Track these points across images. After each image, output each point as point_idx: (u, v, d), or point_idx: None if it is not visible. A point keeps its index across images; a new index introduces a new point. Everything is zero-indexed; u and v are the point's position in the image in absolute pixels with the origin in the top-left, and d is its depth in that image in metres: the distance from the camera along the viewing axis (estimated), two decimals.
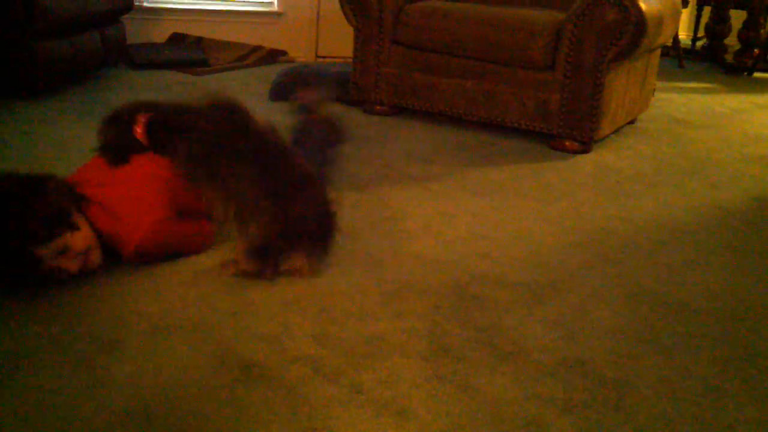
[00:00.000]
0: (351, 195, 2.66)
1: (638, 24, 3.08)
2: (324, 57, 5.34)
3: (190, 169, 2.02)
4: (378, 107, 3.81)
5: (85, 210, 1.99)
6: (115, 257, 2.02)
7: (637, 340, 1.82)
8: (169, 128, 2.03)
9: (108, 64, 4.30)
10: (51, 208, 1.88)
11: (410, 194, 2.71)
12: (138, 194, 2.01)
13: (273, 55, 5.07)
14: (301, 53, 5.27)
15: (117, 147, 2.07)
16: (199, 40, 5.04)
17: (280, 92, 4.01)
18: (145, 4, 4.94)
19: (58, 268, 1.88)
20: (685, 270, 2.23)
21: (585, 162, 3.23)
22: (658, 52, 3.83)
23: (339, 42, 5.24)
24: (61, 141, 3.05)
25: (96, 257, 1.97)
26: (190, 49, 4.87)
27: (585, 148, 3.35)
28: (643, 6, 3.08)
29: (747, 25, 5.83)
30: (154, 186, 2.04)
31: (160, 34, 5.06)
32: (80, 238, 1.92)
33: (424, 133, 3.54)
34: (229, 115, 2.11)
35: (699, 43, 6.63)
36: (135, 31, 4.85)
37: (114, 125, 2.08)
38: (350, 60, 3.86)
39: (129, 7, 4.37)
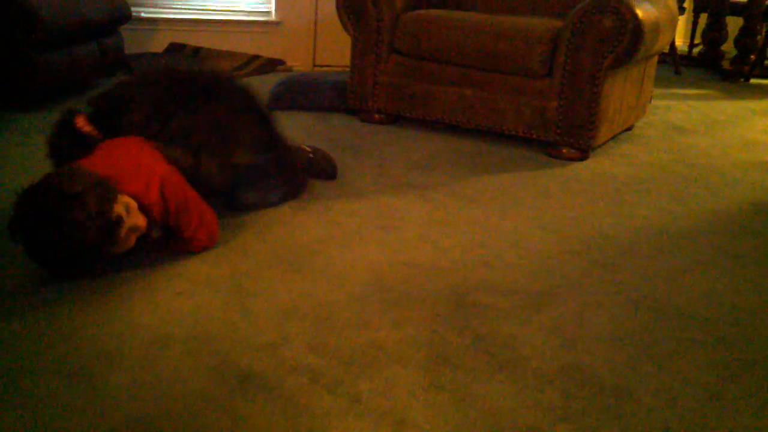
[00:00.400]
0: (349, 203, 2.66)
1: (635, 31, 3.09)
2: (322, 66, 5.35)
3: (141, 132, 2.17)
4: (376, 116, 3.82)
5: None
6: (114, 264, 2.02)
7: (636, 346, 1.82)
8: (112, 109, 2.11)
9: (107, 74, 4.31)
10: (95, 178, 1.92)
11: (408, 202, 2.71)
12: (141, 155, 2.12)
13: (271, 65, 5.08)
14: (298, 62, 5.28)
15: (62, 148, 2.14)
16: (197, 50, 5.05)
17: (277, 101, 4.02)
18: (143, 14, 4.95)
19: (134, 226, 1.96)
20: (684, 276, 2.23)
21: (583, 169, 3.24)
22: (655, 59, 3.84)
23: (337, 51, 5.25)
24: None
25: (144, 218, 2.03)
26: (188, 59, 4.88)
27: (583, 155, 3.35)
28: (639, 13, 3.09)
29: (743, 31, 5.85)
30: (147, 150, 2.15)
31: (158, 44, 5.07)
32: (125, 197, 1.98)
33: (421, 141, 3.54)
34: (170, 74, 2.23)
35: (696, 50, 6.64)
36: (133, 42, 4.86)
37: (56, 130, 2.16)
38: (348, 68, 3.87)
39: (127, 18, 4.38)
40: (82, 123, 2.16)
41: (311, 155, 2.86)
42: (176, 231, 2.16)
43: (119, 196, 1.95)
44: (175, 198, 2.09)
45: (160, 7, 5.10)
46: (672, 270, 2.27)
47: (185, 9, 5.16)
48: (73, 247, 1.87)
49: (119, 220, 1.93)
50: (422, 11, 3.69)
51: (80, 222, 1.85)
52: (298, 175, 2.69)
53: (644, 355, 1.78)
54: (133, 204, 2.00)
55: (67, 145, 2.26)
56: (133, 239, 2.01)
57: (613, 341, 1.84)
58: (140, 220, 2.01)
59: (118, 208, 1.93)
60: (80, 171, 1.96)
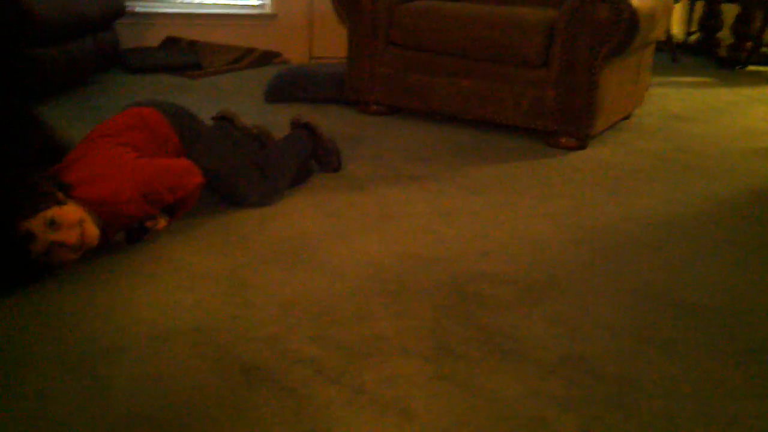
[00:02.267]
0: (349, 195, 2.66)
1: (630, 21, 3.08)
2: (318, 58, 5.33)
3: None
4: (373, 107, 3.81)
5: (71, 192, 2.00)
6: (114, 260, 2.02)
7: (639, 336, 1.82)
8: None
9: (102, 69, 4.29)
10: (33, 187, 1.90)
11: (408, 193, 2.71)
12: (108, 154, 2.16)
13: (267, 57, 5.06)
14: (295, 54, 5.27)
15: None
16: (193, 43, 5.03)
17: (275, 93, 4.01)
18: (137, 9, 4.93)
19: (54, 243, 1.88)
20: (686, 265, 2.23)
21: (582, 158, 3.23)
22: (652, 47, 3.84)
23: (333, 42, 5.24)
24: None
25: (92, 232, 1.97)
26: (184, 52, 4.86)
27: (581, 144, 3.35)
28: (634, 2, 3.08)
29: (740, 18, 5.84)
30: (117, 148, 2.20)
31: (154, 38, 5.05)
32: (69, 211, 1.93)
33: (420, 132, 3.54)
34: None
35: (692, 38, 6.63)
36: (129, 36, 4.84)
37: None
38: (345, 60, 3.86)
39: (122, 12, 4.36)
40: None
41: (328, 145, 2.87)
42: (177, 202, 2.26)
43: (41, 213, 1.86)
44: (157, 182, 2.16)
45: (156, 1, 5.08)
46: (674, 259, 2.27)
47: (181, 3, 5.14)
48: None
49: (28, 237, 1.84)
50: (417, 2, 3.68)
51: None
52: (291, 168, 2.68)
53: (646, 343, 1.78)
54: (70, 217, 1.92)
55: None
56: (68, 254, 1.93)
57: (615, 330, 1.84)
58: (71, 236, 1.91)
59: (34, 224, 1.85)
60: (17, 179, 1.94)
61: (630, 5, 3.06)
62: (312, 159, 2.82)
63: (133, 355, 1.64)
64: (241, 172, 2.49)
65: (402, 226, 2.42)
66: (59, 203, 1.92)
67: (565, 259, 2.23)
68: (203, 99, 3.97)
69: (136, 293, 1.91)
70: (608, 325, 1.86)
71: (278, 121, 3.57)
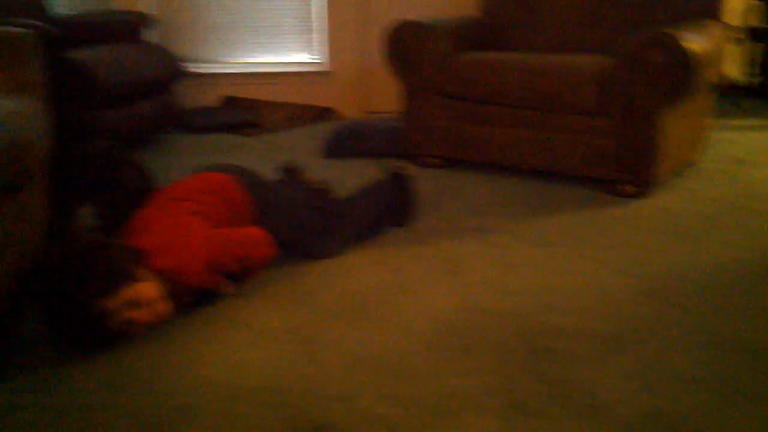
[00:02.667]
0: (411, 248, 2.65)
1: (685, 64, 3.04)
2: (374, 112, 5.38)
3: None
4: (430, 160, 3.81)
5: (145, 263, 2.02)
6: (181, 318, 2.03)
7: (721, 389, 1.75)
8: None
9: (164, 129, 4.40)
10: (112, 263, 1.91)
11: (470, 247, 2.68)
12: (180, 221, 2.18)
13: (323, 114, 5.13)
14: (350, 110, 5.33)
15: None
16: (252, 102, 5.14)
17: (333, 149, 4.05)
18: (198, 70, 5.06)
19: (130, 321, 1.90)
20: (762, 313, 2.15)
21: (645, 206, 3.17)
22: (713, 91, 3.78)
23: (388, 97, 5.26)
24: None
25: (166, 308, 2.00)
26: (243, 111, 4.96)
27: (643, 192, 3.29)
28: (691, 46, 3.04)
29: None
30: (188, 216, 2.21)
31: (213, 98, 5.18)
32: (146, 287, 1.95)
33: (478, 184, 3.52)
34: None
35: (754, 81, 6.53)
36: (190, 97, 4.97)
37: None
38: (400, 114, 3.88)
39: (183, 74, 4.48)
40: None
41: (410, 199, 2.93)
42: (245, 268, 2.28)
43: (122, 290, 1.90)
44: (227, 255, 2.18)
45: (215, 63, 5.22)
46: (751, 308, 2.20)
47: (239, 63, 5.27)
48: (68, 329, 1.89)
49: (105, 315, 1.87)
50: (470, 54, 3.69)
51: (67, 310, 1.87)
52: (361, 222, 2.69)
53: (730, 398, 1.72)
54: (146, 294, 1.95)
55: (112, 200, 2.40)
56: (142, 329, 1.95)
57: (696, 384, 1.77)
58: (146, 314, 1.95)
59: (112, 303, 1.87)
60: (97, 253, 1.95)
61: (687, 49, 3.03)
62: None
63: (204, 415, 1.64)
64: (315, 234, 2.52)
65: (467, 279, 2.39)
66: (137, 280, 1.94)
67: (636, 311, 2.17)
68: (263, 157, 4.02)
69: (205, 352, 1.92)
70: (687, 378, 1.80)
71: (336, 176, 3.60)
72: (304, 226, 2.51)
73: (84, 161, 2.67)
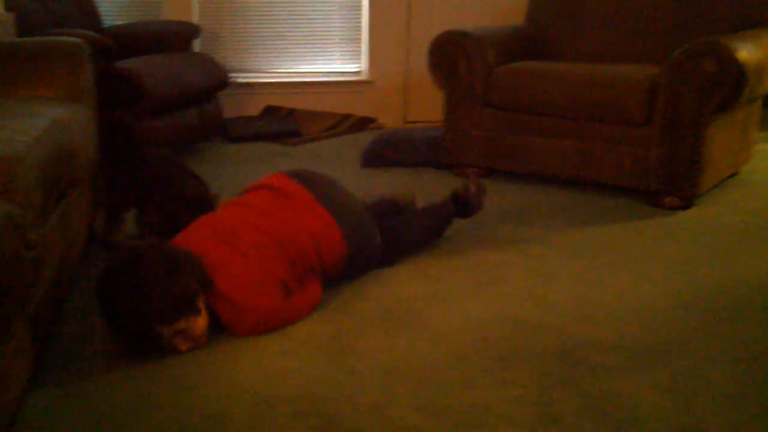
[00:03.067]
0: (449, 259, 2.64)
1: (738, 75, 2.99)
2: (413, 122, 5.39)
3: None
4: (470, 169, 3.80)
5: (208, 293, 2.01)
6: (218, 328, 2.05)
7: (758, 406, 1.71)
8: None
9: (205, 138, 4.46)
10: (180, 291, 1.92)
11: (508, 257, 2.67)
12: (253, 275, 2.05)
13: (363, 123, 5.15)
14: (390, 119, 5.34)
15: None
16: (292, 111, 5.18)
17: (372, 158, 4.06)
18: (239, 79, 5.12)
19: (170, 344, 1.93)
20: None
21: (688, 219, 3.12)
22: (760, 101, 3.71)
23: (427, 107, 5.29)
24: None
25: (205, 338, 2.01)
26: (283, 120, 5.00)
27: (687, 204, 3.24)
28: (742, 56, 2.99)
29: None
30: (269, 261, 2.10)
31: (254, 107, 5.23)
32: (200, 322, 1.97)
33: (516, 194, 3.50)
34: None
35: None
36: (231, 106, 5.02)
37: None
38: (439, 124, 3.88)
39: (225, 84, 4.54)
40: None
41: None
42: None
43: (182, 321, 1.93)
44: (264, 332, 2.09)
45: (256, 72, 5.27)
46: None
47: (280, 72, 5.31)
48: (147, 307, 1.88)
49: (156, 338, 1.91)
50: (515, 64, 3.68)
51: (126, 321, 1.90)
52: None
53: (766, 415, 1.68)
54: (199, 330, 1.98)
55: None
56: (182, 345, 1.96)
57: (734, 400, 1.74)
58: (188, 344, 1.97)
59: (166, 331, 1.91)
60: (172, 270, 1.94)
61: (736, 59, 2.98)
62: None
63: (237, 422, 1.65)
64: (378, 252, 2.50)
65: (504, 290, 2.38)
66: (196, 315, 1.95)
67: (675, 324, 2.14)
68: (302, 166, 4.05)
69: (240, 360, 1.93)
70: (726, 393, 1.76)
71: (374, 185, 3.60)
72: (375, 247, 2.47)
73: (139, 167, 2.71)
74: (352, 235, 2.33)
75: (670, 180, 3.22)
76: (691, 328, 2.11)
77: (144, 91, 3.69)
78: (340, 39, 5.34)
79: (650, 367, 1.89)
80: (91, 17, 4.29)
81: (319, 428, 1.62)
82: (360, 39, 5.32)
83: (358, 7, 5.25)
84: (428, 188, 3.60)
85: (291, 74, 5.33)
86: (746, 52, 3.05)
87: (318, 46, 5.33)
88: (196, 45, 4.90)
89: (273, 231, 2.16)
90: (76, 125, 2.29)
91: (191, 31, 4.59)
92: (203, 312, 1.98)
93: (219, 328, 2.04)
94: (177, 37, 4.50)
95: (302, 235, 2.20)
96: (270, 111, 5.22)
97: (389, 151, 4.08)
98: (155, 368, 1.89)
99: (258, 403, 1.73)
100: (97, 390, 1.79)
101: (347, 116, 5.20)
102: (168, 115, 3.95)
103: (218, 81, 4.44)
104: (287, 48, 5.30)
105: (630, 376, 1.84)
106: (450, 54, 3.71)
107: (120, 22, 4.72)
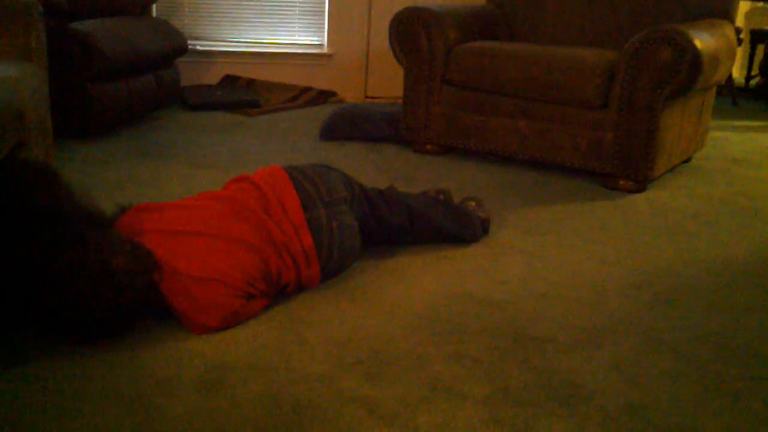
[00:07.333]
0: None
1: (693, 62, 3.03)
2: (373, 97, 5.37)
3: None
4: (428, 147, 3.80)
5: (158, 281, 1.88)
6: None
7: (702, 385, 1.75)
8: None
9: (162, 105, 4.38)
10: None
11: None
12: (215, 270, 1.89)
13: (323, 96, 5.11)
14: (350, 94, 5.31)
15: None
16: (251, 81, 5.12)
17: (330, 132, 4.03)
18: (198, 47, 5.04)
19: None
20: (749, 313, 2.16)
21: (640, 201, 3.17)
22: (714, 90, 3.77)
23: (388, 82, 5.27)
24: (116, 181, 3.10)
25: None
26: (242, 90, 4.94)
27: (640, 187, 3.29)
28: (698, 44, 3.03)
29: None
30: (234, 257, 1.94)
31: (213, 76, 5.16)
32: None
33: (474, 172, 3.51)
34: None
35: (753, 81, 6.52)
36: (189, 74, 4.95)
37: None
38: (399, 100, 3.87)
39: (183, 51, 4.46)
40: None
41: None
42: None
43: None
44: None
45: (215, 40, 5.19)
46: (737, 306, 2.20)
47: (240, 42, 5.24)
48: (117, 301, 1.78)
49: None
50: (475, 43, 3.68)
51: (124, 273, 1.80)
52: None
53: (711, 393, 1.72)
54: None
55: None
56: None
57: (678, 378, 1.77)
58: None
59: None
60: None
61: (694, 46, 3.01)
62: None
63: (187, 389, 1.64)
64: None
65: (456, 266, 2.39)
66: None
67: (624, 304, 2.17)
68: (260, 137, 4.01)
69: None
70: (670, 373, 1.80)
71: (332, 158, 3.59)
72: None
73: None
74: (331, 269, 2.19)
75: (624, 163, 3.26)
76: (638, 309, 2.15)
77: (98, 53, 3.60)
78: (302, 11, 5.28)
79: (599, 344, 1.92)
80: None
81: (268, 397, 1.61)
82: (323, 12, 5.27)
83: None
84: (386, 163, 3.59)
85: (251, 44, 5.27)
86: (702, 40, 3.09)
87: (280, 17, 5.26)
88: (154, 11, 4.81)
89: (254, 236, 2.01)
90: (26, 85, 2.23)
91: None
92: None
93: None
94: (134, 1, 4.40)
95: (278, 259, 2.03)
96: (229, 80, 5.15)
97: (348, 126, 4.06)
98: (102, 344, 1.86)
99: (208, 370, 1.71)
100: (39, 358, 1.76)
101: (307, 89, 5.16)
102: (123, 79, 3.87)
103: (176, 47, 4.36)
104: (248, 17, 5.23)
105: (579, 353, 1.87)
106: (411, 30, 3.69)
107: None
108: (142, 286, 1.84)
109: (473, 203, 2.74)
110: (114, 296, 1.78)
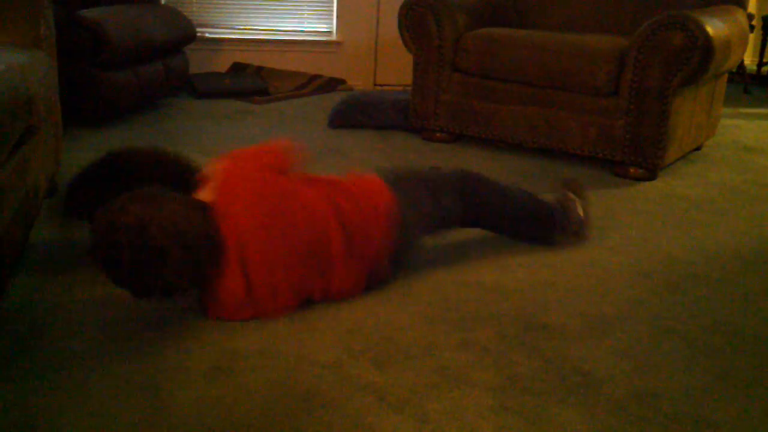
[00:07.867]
0: None
1: (705, 49, 3.01)
2: (382, 85, 5.36)
3: None
4: (437, 134, 3.79)
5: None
6: None
7: (713, 373, 1.74)
8: None
9: (171, 93, 4.38)
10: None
11: None
12: (272, 284, 1.90)
13: (332, 84, 5.10)
14: (359, 81, 5.30)
15: None
16: (260, 69, 5.11)
17: (339, 119, 4.03)
18: (207, 35, 5.03)
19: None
20: (760, 300, 2.15)
21: (651, 189, 3.15)
22: (725, 77, 3.74)
23: (396, 70, 5.26)
24: None
25: None
26: (251, 78, 4.93)
27: (650, 175, 3.27)
28: (710, 30, 3.01)
29: None
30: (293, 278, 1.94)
31: (221, 63, 5.15)
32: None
33: (483, 160, 3.50)
34: None
35: (765, 69, 6.47)
36: (197, 61, 4.94)
37: None
38: (408, 87, 3.86)
39: (192, 38, 4.45)
40: None
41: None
42: None
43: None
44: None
45: (224, 28, 5.19)
46: (747, 294, 2.19)
47: (249, 29, 5.23)
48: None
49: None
50: (485, 30, 3.66)
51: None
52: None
53: (721, 381, 1.71)
54: None
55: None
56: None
57: (688, 366, 1.77)
58: None
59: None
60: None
61: (705, 33, 2.99)
62: None
63: (196, 376, 1.64)
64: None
65: (466, 254, 2.39)
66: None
67: (634, 292, 2.17)
68: (268, 124, 4.01)
69: (201, 315, 1.91)
70: (680, 360, 1.79)
71: (340, 146, 3.58)
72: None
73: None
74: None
75: (635, 151, 3.24)
76: (649, 296, 2.14)
77: (107, 41, 3.60)
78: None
79: (608, 332, 1.91)
80: None
81: (278, 384, 1.62)
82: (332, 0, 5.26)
83: None
84: (395, 151, 3.59)
85: (260, 31, 5.26)
86: (714, 27, 3.06)
87: (289, 4, 5.25)
88: None
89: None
90: (35, 72, 2.23)
91: None
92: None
93: None
94: None
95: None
96: (238, 68, 5.15)
97: (357, 113, 4.05)
98: (113, 323, 1.87)
99: (218, 357, 1.72)
100: (52, 344, 1.77)
101: (316, 76, 5.15)
102: (132, 67, 3.87)
103: (185, 35, 4.36)
104: (257, 5, 5.22)
105: (588, 341, 1.86)
106: (420, 17, 3.67)
107: None
108: (207, 257, 1.83)
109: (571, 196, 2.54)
110: (182, 255, 1.77)
